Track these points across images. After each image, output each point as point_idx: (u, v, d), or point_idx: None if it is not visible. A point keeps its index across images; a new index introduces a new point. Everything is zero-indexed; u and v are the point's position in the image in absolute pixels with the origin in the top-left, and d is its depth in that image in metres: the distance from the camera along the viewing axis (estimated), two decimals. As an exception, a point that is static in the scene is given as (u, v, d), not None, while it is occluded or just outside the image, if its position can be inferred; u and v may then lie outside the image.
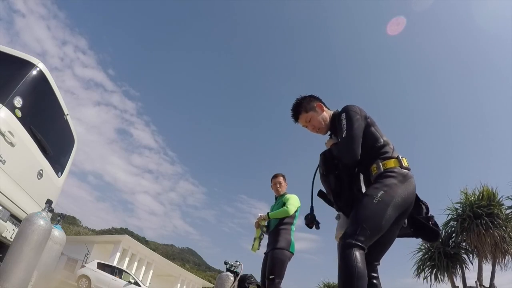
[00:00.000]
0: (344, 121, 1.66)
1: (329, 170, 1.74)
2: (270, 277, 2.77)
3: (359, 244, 1.39)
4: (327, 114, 1.88)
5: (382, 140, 1.70)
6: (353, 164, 1.64)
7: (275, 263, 2.84)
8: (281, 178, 3.34)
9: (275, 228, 3.08)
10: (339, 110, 1.84)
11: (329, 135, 1.91)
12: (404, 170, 1.60)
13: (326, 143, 1.85)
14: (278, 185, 3.29)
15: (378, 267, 1.65)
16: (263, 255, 3.10)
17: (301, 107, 1.90)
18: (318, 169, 1.82)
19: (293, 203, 3.12)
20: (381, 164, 1.63)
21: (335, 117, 1.82)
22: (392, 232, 1.62)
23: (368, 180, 1.74)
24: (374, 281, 1.60)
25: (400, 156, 1.64)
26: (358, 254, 1.37)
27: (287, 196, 3.22)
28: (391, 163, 1.61)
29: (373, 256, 1.61)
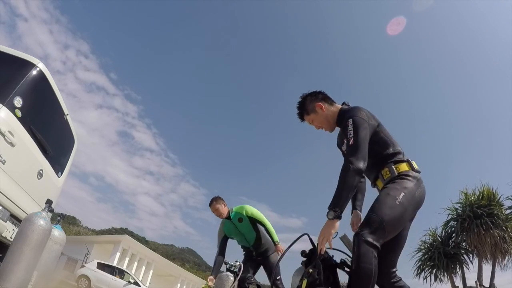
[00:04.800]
0: (350, 128, 1.59)
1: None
2: (278, 277, 2.98)
3: (377, 245, 1.38)
4: (331, 112, 1.82)
5: (392, 145, 1.68)
6: (359, 179, 1.54)
7: (276, 265, 3.09)
8: (215, 204, 3.31)
9: (261, 236, 3.29)
10: (349, 105, 1.81)
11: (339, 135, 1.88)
12: (416, 173, 1.60)
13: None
14: (217, 213, 3.29)
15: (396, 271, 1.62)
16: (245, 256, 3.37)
17: (303, 109, 1.88)
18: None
19: (258, 213, 3.30)
20: (393, 167, 1.61)
21: (343, 114, 1.75)
22: (404, 236, 1.62)
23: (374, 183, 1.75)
24: (400, 283, 1.59)
25: (410, 159, 1.64)
26: (375, 255, 1.36)
27: (245, 209, 3.28)
28: (404, 167, 1.61)
29: (393, 263, 1.60)
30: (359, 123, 1.59)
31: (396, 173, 1.60)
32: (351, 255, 1.54)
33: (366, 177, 1.90)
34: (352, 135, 1.56)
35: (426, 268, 10.55)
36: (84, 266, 13.95)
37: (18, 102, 2.12)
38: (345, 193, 1.44)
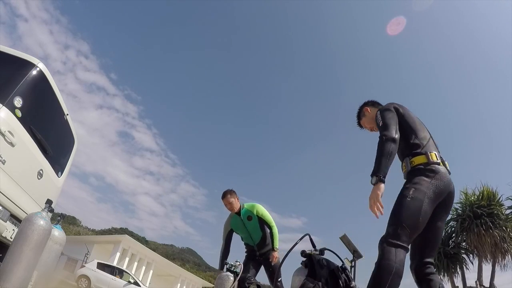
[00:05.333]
0: (378, 116, 1.81)
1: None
2: (280, 279, 2.98)
3: (402, 244, 1.43)
4: (374, 114, 2.05)
5: (414, 136, 1.75)
6: (395, 145, 1.65)
7: (278, 267, 3.08)
8: (229, 196, 3.27)
9: (266, 236, 3.28)
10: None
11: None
12: (432, 165, 1.63)
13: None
14: (229, 206, 3.26)
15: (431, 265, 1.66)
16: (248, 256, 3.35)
17: (358, 117, 2.23)
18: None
19: (268, 215, 3.28)
20: (409, 161, 1.68)
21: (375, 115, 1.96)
22: (438, 227, 1.66)
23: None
24: (431, 277, 1.62)
25: (429, 151, 1.67)
26: (399, 254, 1.41)
27: (257, 209, 3.26)
28: (419, 159, 1.66)
29: (427, 253, 1.65)
30: (384, 110, 1.82)
31: (410, 167, 1.67)
32: (351, 257, 1.58)
33: None
34: (381, 119, 1.77)
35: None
36: (84, 266, 13.94)
37: (18, 102, 2.12)
38: (384, 160, 1.56)
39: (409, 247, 1.50)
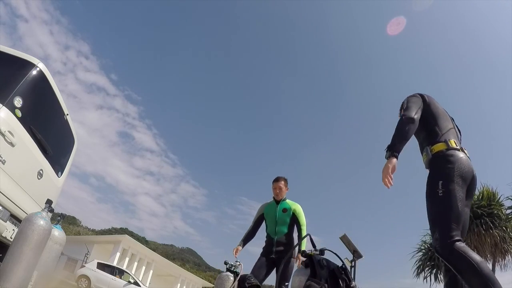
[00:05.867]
0: (405, 102, 1.88)
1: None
2: (286, 283, 2.88)
3: (459, 238, 1.42)
4: None
5: (435, 124, 1.78)
6: (413, 125, 1.70)
7: (290, 272, 2.96)
8: (282, 183, 3.24)
9: (289, 236, 3.15)
10: None
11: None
12: (451, 150, 1.64)
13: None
14: (278, 190, 3.22)
15: None
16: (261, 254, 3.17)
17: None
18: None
19: (303, 217, 3.15)
20: (429, 149, 1.70)
21: None
22: (466, 212, 1.67)
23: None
24: None
25: (448, 139, 1.69)
26: (463, 248, 1.38)
27: (296, 207, 3.18)
28: (439, 147, 1.68)
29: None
30: (410, 96, 1.92)
31: (431, 155, 1.70)
32: (351, 257, 1.59)
33: None
34: (406, 103, 1.84)
35: (426, 268, 10.56)
36: (84, 266, 13.95)
37: (18, 102, 2.12)
38: (398, 138, 1.64)
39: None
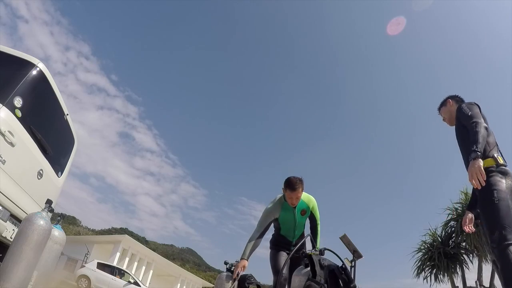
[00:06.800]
0: (464, 107, 2.02)
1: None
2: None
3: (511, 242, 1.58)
4: (454, 107, 2.27)
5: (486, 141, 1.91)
6: (486, 132, 1.85)
7: (283, 267, 2.78)
8: (300, 191, 2.61)
9: (303, 232, 2.91)
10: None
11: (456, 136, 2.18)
12: (501, 167, 1.83)
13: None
14: (295, 201, 2.64)
15: None
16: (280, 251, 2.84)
17: (442, 104, 2.44)
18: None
19: (318, 212, 2.85)
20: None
21: (457, 108, 2.16)
22: None
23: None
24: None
25: (495, 154, 1.87)
26: None
27: (313, 204, 2.81)
28: (488, 162, 1.84)
29: None
30: (470, 103, 2.07)
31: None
32: (351, 257, 1.61)
33: None
34: (468, 110, 1.99)
35: (426, 268, 10.55)
36: (84, 266, 13.95)
37: (18, 102, 2.12)
38: (481, 140, 1.78)
39: None
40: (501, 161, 1.85)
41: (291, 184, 2.56)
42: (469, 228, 2.16)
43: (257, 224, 2.76)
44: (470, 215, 2.19)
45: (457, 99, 2.36)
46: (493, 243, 1.64)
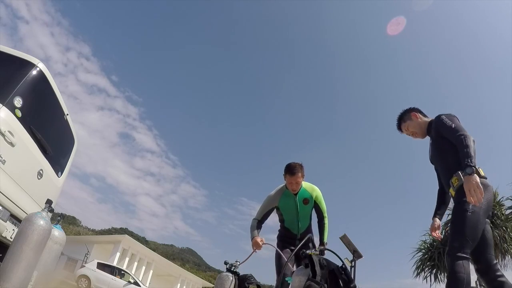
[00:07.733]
0: (445, 119, 1.93)
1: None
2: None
3: (466, 256, 1.63)
4: (423, 121, 2.18)
5: None
6: (474, 145, 1.79)
7: (283, 266, 2.71)
8: (300, 175, 2.58)
9: (310, 226, 2.81)
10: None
11: (430, 143, 2.15)
12: (483, 179, 1.80)
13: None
14: (295, 186, 2.62)
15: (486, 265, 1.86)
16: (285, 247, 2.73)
17: (401, 119, 2.29)
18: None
19: (323, 203, 2.77)
20: (461, 175, 1.77)
21: (431, 123, 2.09)
22: (487, 230, 1.85)
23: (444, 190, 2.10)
24: (502, 279, 1.79)
25: (477, 167, 1.79)
26: (466, 265, 1.61)
27: (317, 193, 2.72)
28: None
29: (489, 256, 1.84)
30: (450, 115, 1.97)
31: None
32: (351, 257, 1.63)
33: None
34: (450, 121, 1.90)
35: (426, 268, 10.55)
36: (84, 266, 13.95)
37: (18, 102, 2.12)
38: (473, 153, 1.72)
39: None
40: (482, 173, 1.83)
41: (291, 169, 2.57)
42: (437, 234, 2.19)
43: (259, 208, 2.81)
44: (438, 223, 2.21)
45: (421, 112, 2.25)
46: (450, 250, 1.68)
